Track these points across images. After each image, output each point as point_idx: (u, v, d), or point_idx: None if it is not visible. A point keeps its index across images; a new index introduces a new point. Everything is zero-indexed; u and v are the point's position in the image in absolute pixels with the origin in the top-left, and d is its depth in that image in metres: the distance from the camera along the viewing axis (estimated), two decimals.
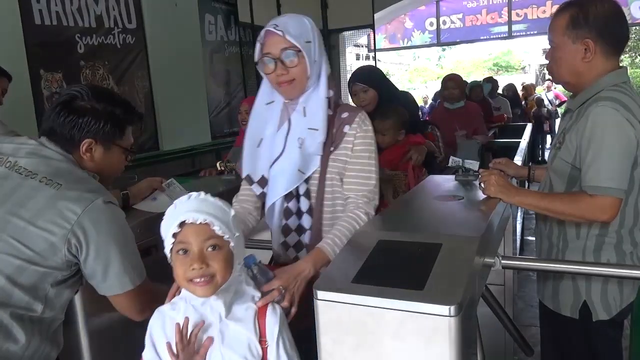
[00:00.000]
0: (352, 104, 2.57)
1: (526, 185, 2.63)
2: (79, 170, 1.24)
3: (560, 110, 12.22)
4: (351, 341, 0.98)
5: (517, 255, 2.05)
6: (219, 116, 6.31)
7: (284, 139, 1.40)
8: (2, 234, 1.11)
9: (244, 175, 1.48)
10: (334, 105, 1.41)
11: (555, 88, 11.65)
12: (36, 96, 4.07)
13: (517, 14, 10.07)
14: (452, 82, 4.01)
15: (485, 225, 1.23)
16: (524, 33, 10.25)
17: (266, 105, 1.46)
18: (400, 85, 4.06)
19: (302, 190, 1.39)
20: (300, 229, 1.42)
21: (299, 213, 1.41)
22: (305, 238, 1.41)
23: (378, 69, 2.97)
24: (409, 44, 11.34)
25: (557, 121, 10.55)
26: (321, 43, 1.41)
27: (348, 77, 8.81)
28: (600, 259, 1.48)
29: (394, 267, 1.05)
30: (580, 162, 1.44)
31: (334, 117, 1.39)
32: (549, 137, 10.04)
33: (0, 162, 1.19)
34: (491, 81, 6.97)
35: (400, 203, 1.56)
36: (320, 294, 0.99)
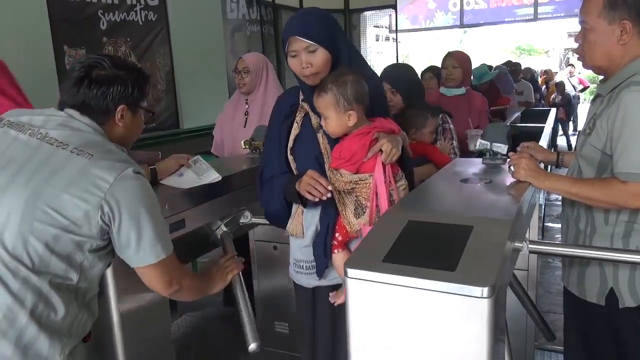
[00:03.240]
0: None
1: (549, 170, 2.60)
2: (108, 142, 1.27)
3: (583, 96, 11.99)
4: (381, 320, 0.99)
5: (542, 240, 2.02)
6: None
7: None
8: (39, 203, 1.13)
9: None
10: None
11: (579, 73, 11.40)
12: (60, 72, 4.11)
13: None
14: (452, 59, 3.04)
15: (517, 208, 1.22)
16: (550, 15, 9.98)
17: None
18: (419, 69, 3.80)
19: None
20: None
21: None
22: None
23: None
24: (431, 25, 11.14)
25: (579, 107, 10.37)
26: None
27: (369, 58, 8.66)
28: (629, 246, 1.46)
29: (424, 247, 1.05)
30: (611, 148, 1.41)
31: None
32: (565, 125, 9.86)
33: (31, 134, 1.21)
34: (511, 65, 6.79)
35: (427, 185, 1.55)
36: (351, 272, 0.99)
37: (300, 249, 1.66)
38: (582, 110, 11.28)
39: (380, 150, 1.47)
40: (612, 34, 1.44)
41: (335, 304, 1.57)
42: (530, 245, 1.40)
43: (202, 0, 5.50)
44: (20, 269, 1.12)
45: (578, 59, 1.62)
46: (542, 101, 8.69)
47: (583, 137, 1.55)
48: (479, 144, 1.79)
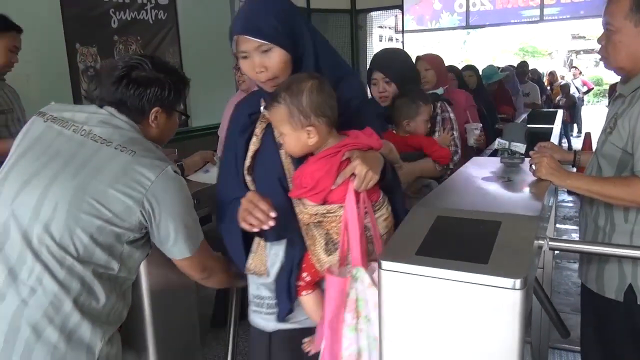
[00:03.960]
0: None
1: None
2: (145, 140, 1.31)
3: (587, 98, 12.00)
4: (414, 312, 1.02)
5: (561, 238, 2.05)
6: None
7: None
8: (85, 196, 1.18)
9: None
10: None
11: (582, 75, 11.41)
12: (72, 69, 4.16)
13: None
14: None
15: (541, 205, 1.26)
16: (556, 17, 10.00)
17: None
18: None
19: None
20: None
21: None
22: None
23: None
24: (437, 26, 11.17)
25: (583, 109, 10.39)
26: None
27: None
28: None
29: (455, 242, 1.08)
30: (632, 147, 1.44)
31: None
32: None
33: (75, 130, 1.25)
34: (518, 65, 6.82)
35: (449, 183, 1.58)
36: (385, 265, 1.03)
37: (260, 285, 1.39)
38: (586, 113, 11.32)
39: (353, 175, 1.18)
40: (638, 36, 1.47)
41: (310, 354, 1.31)
42: (550, 242, 1.43)
43: (211, 0, 5.53)
44: (66, 258, 1.17)
45: (600, 59, 1.65)
46: (551, 102, 8.72)
47: (604, 136, 1.58)
48: (497, 143, 1.81)
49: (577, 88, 10.38)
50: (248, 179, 1.34)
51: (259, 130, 1.33)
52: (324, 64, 1.31)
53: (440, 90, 2.93)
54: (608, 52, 1.54)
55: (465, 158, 2.15)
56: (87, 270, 1.19)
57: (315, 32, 1.34)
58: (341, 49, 7.46)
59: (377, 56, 2.34)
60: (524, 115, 4.98)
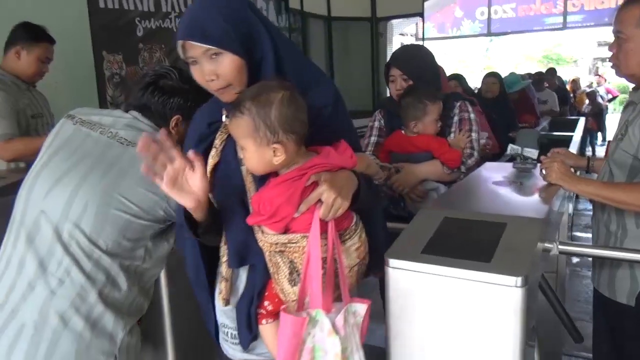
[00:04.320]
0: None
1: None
2: None
3: (612, 106, 11.79)
4: (419, 308, 1.05)
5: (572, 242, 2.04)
6: None
7: None
8: (114, 194, 1.26)
9: None
10: None
11: (608, 83, 11.23)
12: (99, 76, 4.29)
13: (573, 4, 9.74)
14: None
15: (548, 208, 1.28)
16: (579, 24, 9.92)
17: None
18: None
19: None
20: None
21: None
22: None
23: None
24: (458, 34, 11.17)
25: (607, 117, 10.22)
26: None
27: None
28: None
29: (460, 241, 1.12)
30: None
31: None
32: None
33: (102, 132, 1.33)
34: (537, 80, 6.75)
35: (460, 186, 1.61)
36: (392, 262, 1.07)
37: (222, 313, 1.27)
38: (611, 120, 11.12)
39: (320, 201, 1.04)
40: None
41: None
42: (560, 247, 1.45)
43: None
44: (94, 252, 1.25)
45: (612, 67, 1.67)
46: (574, 110, 8.61)
47: (615, 143, 1.59)
48: (510, 149, 1.84)
49: (601, 96, 10.23)
50: (210, 198, 1.14)
51: (218, 141, 1.17)
52: (288, 68, 1.16)
53: None
54: (619, 59, 1.56)
55: (475, 165, 2.06)
56: (114, 262, 1.26)
57: (277, 33, 1.20)
58: (362, 57, 7.52)
59: (396, 52, 2.26)
60: (544, 124, 4.95)
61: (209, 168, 1.15)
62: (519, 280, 0.95)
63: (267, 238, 1.08)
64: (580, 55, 23.54)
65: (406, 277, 1.05)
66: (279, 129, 1.03)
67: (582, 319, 3.04)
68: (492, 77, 4.55)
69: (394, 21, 8.23)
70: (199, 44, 1.08)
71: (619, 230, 1.57)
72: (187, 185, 1.02)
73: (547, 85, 7.07)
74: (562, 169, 1.52)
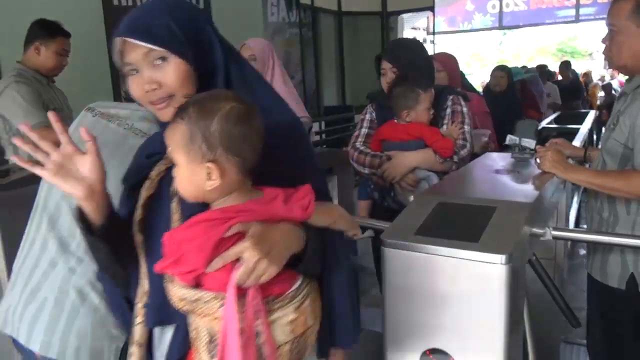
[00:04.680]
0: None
1: None
2: None
3: None
4: (413, 284, 1.14)
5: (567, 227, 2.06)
6: None
7: None
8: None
9: None
10: None
11: (620, 75, 11.12)
12: (113, 72, 4.41)
13: None
14: (435, 62, 2.46)
15: (537, 194, 1.35)
16: (592, 17, 9.84)
17: None
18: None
19: None
20: None
21: None
22: None
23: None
24: (469, 27, 11.14)
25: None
26: None
27: None
28: None
29: (452, 224, 1.20)
30: (632, 142, 1.51)
31: None
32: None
33: (119, 124, 1.42)
34: (542, 72, 6.71)
35: (457, 175, 1.68)
36: (387, 242, 1.15)
37: None
38: None
39: (239, 259, 0.84)
40: (639, 36, 1.54)
41: None
42: (553, 232, 1.52)
43: (245, 3, 5.72)
44: None
45: (605, 59, 1.72)
46: (588, 103, 8.56)
47: (607, 133, 1.66)
48: (509, 139, 1.90)
49: (614, 89, 10.16)
50: (138, 238, 0.99)
51: (155, 172, 1.01)
52: (239, 87, 1.00)
53: None
54: (612, 51, 1.61)
55: (468, 157, 2.04)
56: None
57: (231, 49, 1.04)
58: (372, 52, 7.56)
59: (389, 45, 2.28)
60: (552, 117, 4.96)
61: (140, 202, 1.01)
62: (503, 257, 1.03)
63: (175, 290, 0.88)
64: (595, 48, 23.27)
65: (401, 256, 1.14)
66: (218, 145, 0.85)
67: (584, 307, 3.09)
68: (500, 70, 4.53)
69: (405, 15, 8.26)
70: (141, 43, 0.92)
71: (610, 217, 1.63)
72: (77, 172, 0.93)
73: (560, 78, 7.03)
74: (556, 158, 1.59)
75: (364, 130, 2.21)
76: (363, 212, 2.24)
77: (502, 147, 2.17)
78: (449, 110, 2.09)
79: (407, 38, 2.97)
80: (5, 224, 1.95)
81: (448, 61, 2.84)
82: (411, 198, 1.91)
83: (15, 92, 2.39)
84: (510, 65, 5.36)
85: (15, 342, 1.37)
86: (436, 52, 3.16)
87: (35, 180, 1.47)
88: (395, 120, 2.07)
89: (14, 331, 1.35)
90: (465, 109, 2.09)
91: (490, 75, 4.58)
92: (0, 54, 3.44)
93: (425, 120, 2.02)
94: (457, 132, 2.02)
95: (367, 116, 2.25)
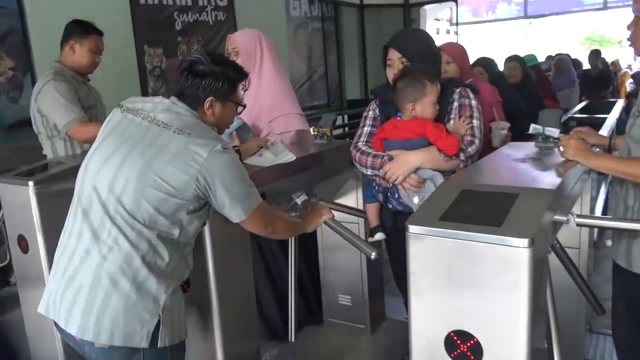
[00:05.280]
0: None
1: None
2: (202, 123, 1.52)
3: None
4: (437, 269, 1.18)
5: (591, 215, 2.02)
6: (301, 90, 6.58)
7: None
8: (150, 173, 1.40)
9: None
10: None
11: None
12: (140, 69, 4.53)
13: None
14: (444, 54, 2.46)
15: (560, 181, 1.37)
16: (621, 4, 9.59)
17: None
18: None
19: None
20: None
21: None
22: None
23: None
24: (493, 17, 10.98)
25: None
26: None
27: None
28: None
29: (475, 210, 1.23)
30: None
31: None
32: None
33: (144, 117, 1.49)
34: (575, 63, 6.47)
35: (480, 164, 1.70)
36: (412, 228, 1.19)
37: None
38: None
39: None
40: None
41: None
42: (577, 219, 1.53)
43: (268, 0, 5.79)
44: (135, 224, 1.40)
45: (630, 45, 1.72)
46: (618, 93, 8.36)
47: (632, 120, 1.65)
48: (532, 128, 1.91)
49: None
50: None
51: None
52: None
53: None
54: (636, 37, 1.60)
55: (477, 154, 1.92)
56: (152, 234, 1.41)
57: None
58: None
59: (397, 34, 2.12)
60: (579, 107, 4.89)
61: None
62: (525, 241, 1.06)
63: None
64: (625, 36, 22.64)
65: (424, 241, 1.18)
66: None
67: (610, 298, 3.07)
68: (513, 61, 4.29)
69: (427, 7, 8.20)
70: None
71: (636, 204, 1.63)
72: None
73: (589, 67, 6.84)
74: (579, 146, 1.60)
75: (366, 129, 2.11)
76: (372, 215, 2.12)
77: (524, 137, 2.09)
78: (456, 104, 1.97)
79: (415, 28, 2.62)
80: (44, 218, 2.06)
81: (458, 53, 2.69)
82: (416, 200, 1.87)
83: (53, 88, 2.50)
84: (539, 55, 5.24)
85: (56, 325, 1.46)
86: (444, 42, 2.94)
87: (73, 174, 1.55)
88: (399, 117, 1.97)
89: (55, 315, 1.44)
90: (474, 102, 1.96)
91: (504, 67, 4.32)
92: (35, 55, 3.59)
93: (431, 116, 1.91)
94: (465, 127, 1.90)
95: (370, 113, 2.14)
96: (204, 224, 1.59)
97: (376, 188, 2.05)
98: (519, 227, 1.10)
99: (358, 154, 2.04)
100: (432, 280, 1.18)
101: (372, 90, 2.23)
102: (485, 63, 3.49)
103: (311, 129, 2.54)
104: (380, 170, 1.94)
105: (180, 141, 1.42)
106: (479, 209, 1.24)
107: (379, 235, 2.09)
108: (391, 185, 1.95)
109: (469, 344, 1.15)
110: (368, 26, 7.54)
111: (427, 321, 1.21)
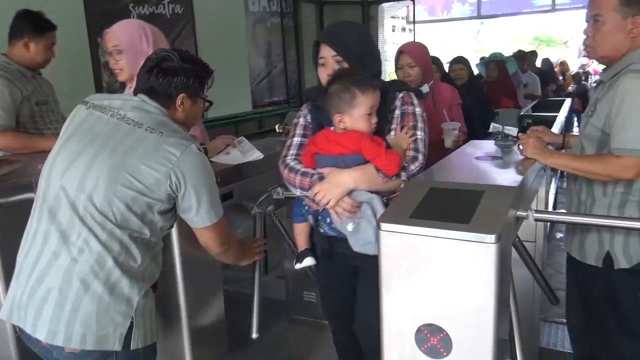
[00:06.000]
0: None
1: None
2: (172, 122, 1.50)
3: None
4: (407, 264, 1.21)
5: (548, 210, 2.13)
6: (260, 85, 6.55)
7: None
8: (121, 171, 1.37)
9: None
10: None
11: (593, 63, 11.35)
12: (94, 62, 4.37)
13: None
14: (407, 57, 2.52)
15: (522, 178, 1.43)
16: (568, 6, 10.03)
17: None
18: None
19: None
20: None
21: None
22: None
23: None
24: (448, 17, 11.25)
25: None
26: None
27: (385, 49, 8.63)
28: (624, 214, 1.66)
29: (443, 207, 1.27)
30: (609, 127, 1.60)
31: None
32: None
33: (112, 115, 1.45)
34: (519, 57, 6.57)
35: (445, 162, 1.76)
36: (383, 226, 1.22)
37: None
38: None
39: None
40: (624, 28, 1.61)
41: None
42: (535, 214, 1.60)
43: None
44: (107, 224, 1.37)
45: (584, 49, 1.80)
46: (563, 92, 8.70)
47: (586, 119, 1.75)
48: (492, 127, 1.98)
49: (588, 77, 10.39)
50: None
51: None
52: None
53: (425, 88, 2.51)
54: (596, 42, 1.68)
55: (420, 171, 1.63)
56: (124, 234, 1.38)
57: None
58: None
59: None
60: (528, 107, 5.07)
61: None
62: (492, 237, 1.11)
63: None
64: (570, 37, 23.66)
65: (395, 238, 1.21)
66: None
67: (563, 289, 3.24)
68: (458, 62, 4.24)
69: (385, 5, 8.30)
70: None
71: (588, 199, 1.73)
72: None
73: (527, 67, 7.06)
74: (537, 144, 1.67)
75: (296, 140, 1.78)
76: (300, 237, 1.84)
77: (484, 135, 2.16)
78: (397, 112, 1.68)
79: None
80: None
81: (421, 55, 2.54)
82: (350, 226, 1.56)
83: None
84: (489, 55, 5.40)
85: (21, 331, 1.40)
86: (408, 41, 2.96)
87: (25, 173, 1.49)
88: (332, 128, 1.66)
89: (20, 321, 1.38)
90: (418, 110, 1.67)
91: (449, 69, 4.24)
92: None
93: (365, 129, 1.59)
94: (408, 140, 1.62)
95: (301, 120, 1.81)
96: (172, 226, 1.57)
97: (306, 208, 1.74)
98: (486, 224, 1.15)
99: (286, 171, 1.71)
100: (403, 275, 1.22)
101: (305, 91, 2.00)
102: (435, 62, 3.45)
103: (276, 126, 2.55)
104: (310, 191, 1.62)
105: (153, 140, 1.40)
106: (447, 206, 1.28)
107: (308, 261, 1.82)
108: (321, 208, 1.64)
109: (438, 337, 1.19)
110: (327, 22, 7.57)
111: (398, 315, 1.24)
